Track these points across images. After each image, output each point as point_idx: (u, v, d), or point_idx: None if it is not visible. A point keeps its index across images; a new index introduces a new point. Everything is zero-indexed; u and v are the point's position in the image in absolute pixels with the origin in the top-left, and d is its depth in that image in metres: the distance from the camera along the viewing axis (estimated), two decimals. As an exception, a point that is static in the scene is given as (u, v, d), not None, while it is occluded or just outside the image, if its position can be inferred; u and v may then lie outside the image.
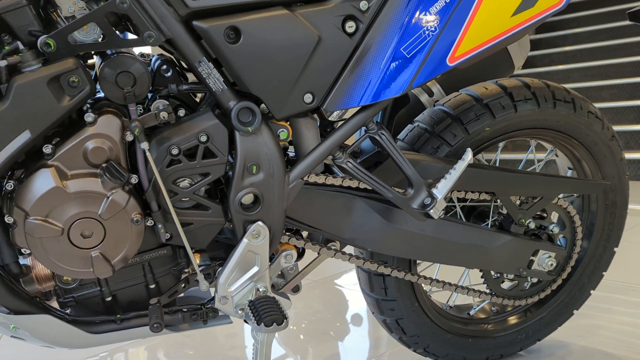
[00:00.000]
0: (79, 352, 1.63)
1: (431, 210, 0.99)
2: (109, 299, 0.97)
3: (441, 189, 0.99)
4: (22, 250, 0.87)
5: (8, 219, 0.83)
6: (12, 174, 0.86)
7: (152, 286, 0.99)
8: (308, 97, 0.94)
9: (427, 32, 0.92)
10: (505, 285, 1.29)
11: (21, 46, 0.78)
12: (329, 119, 1.18)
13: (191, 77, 1.03)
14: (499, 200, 1.19)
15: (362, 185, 1.02)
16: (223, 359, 1.55)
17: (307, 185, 1.01)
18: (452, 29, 0.92)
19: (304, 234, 1.12)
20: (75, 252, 0.85)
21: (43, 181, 0.82)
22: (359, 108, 0.98)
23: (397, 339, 1.31)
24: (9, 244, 0.87)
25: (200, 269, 0.98)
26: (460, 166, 1.00)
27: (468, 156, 1.00)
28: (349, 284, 2.13)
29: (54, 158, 0.83)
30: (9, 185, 0.83)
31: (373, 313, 1.31)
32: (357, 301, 1.95)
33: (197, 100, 1.03)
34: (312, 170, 0.98)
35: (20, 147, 0.80)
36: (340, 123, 1.00)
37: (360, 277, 1.27)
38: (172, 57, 0.99)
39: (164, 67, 0.95)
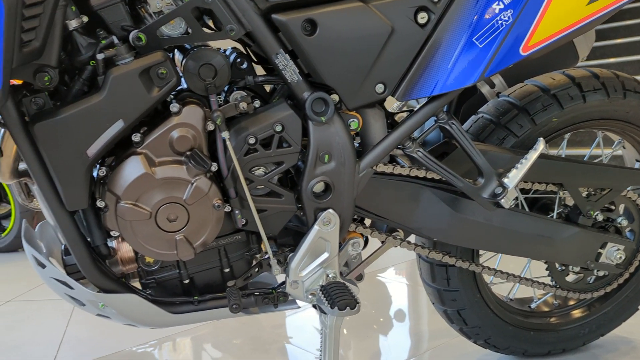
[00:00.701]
0: (130, 340, 1.71)
1: (502, 200, 0.99)
2: (186, 281, 1.02)
3: (512, 179, 0.99)
4: (112, 233, 0.92)
5: (100, 203, 0.89)
6: (103, 161, 0.92)
7: (227, 270, 1.03)
8: (380, 88, 0.96)
9: (500, 21, 0.92)
10: (570, 278, 1.28)
11: (116, 40, 0.83)
12: (389, 110, 1.19)
13: (259, 70, 1.07)
14: (562, 192, 1.18)
15: (429, 175, 1.04)
16: (269, 348, 1.59)
17: (374, 175, 1.03)
18: (526, 18, 0.92)
19: (367, 222, 1.14)
20: (161, 235, 0.90)
21: (134, 168, 0.87)
22: (429, 98, 0.99)
23: (458, 330, 1.32)
24: (99, 227, 0.93)
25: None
26: (532, 156, 1.00)
27: (540, 146, 1.00)
28: (393, 279, 2.14)
29: (142, 146, 0.88)
30: (102, 172, 0.89)
31: (433, 304, 1.32)
32: (400, 296, 1.96)
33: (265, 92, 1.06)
34: (382, 159, 1.00)
35: (114, 136, 0.85)
36: (408, 113, 1.01)
37: (421, 267, 1.28)
38: (242, 50, 1.03)
39: (239, 59, 0.99)
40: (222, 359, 1.57)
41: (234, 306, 0.95)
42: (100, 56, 0.83)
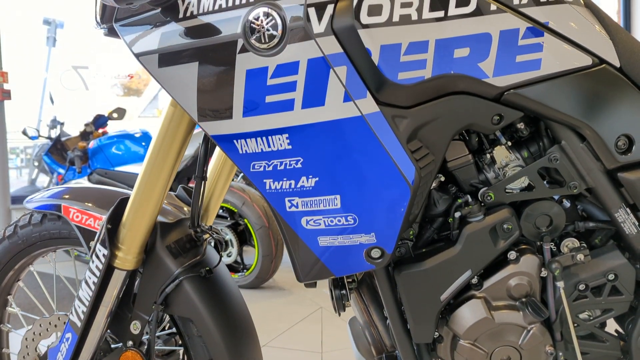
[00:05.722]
0: None
1: None
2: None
3: None
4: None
5: (435, 334, 0.99)
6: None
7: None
8: None
9: None
10: None
11: (469, 199, 0.93)
12: None
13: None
14: None
15: None
16: None
17: None
18: None
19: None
20: (493, 374, 0.97)
21: (475, 310, 0.95)
22: None
23: None
24: (429, 352, 1.04)
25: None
26: None
27: None
28: None
29: (481, 290, 0.96)
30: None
31: None
32: None
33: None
34: None
35: (462, 283, 0.95)
36: None
37: None
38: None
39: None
40: None
41: None
42: (457, 214, 0.94)
